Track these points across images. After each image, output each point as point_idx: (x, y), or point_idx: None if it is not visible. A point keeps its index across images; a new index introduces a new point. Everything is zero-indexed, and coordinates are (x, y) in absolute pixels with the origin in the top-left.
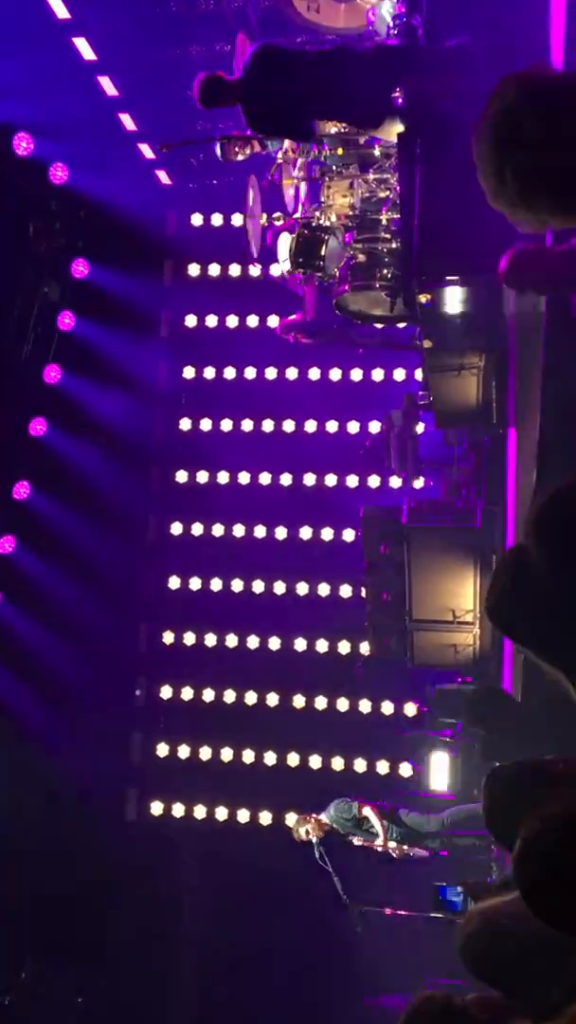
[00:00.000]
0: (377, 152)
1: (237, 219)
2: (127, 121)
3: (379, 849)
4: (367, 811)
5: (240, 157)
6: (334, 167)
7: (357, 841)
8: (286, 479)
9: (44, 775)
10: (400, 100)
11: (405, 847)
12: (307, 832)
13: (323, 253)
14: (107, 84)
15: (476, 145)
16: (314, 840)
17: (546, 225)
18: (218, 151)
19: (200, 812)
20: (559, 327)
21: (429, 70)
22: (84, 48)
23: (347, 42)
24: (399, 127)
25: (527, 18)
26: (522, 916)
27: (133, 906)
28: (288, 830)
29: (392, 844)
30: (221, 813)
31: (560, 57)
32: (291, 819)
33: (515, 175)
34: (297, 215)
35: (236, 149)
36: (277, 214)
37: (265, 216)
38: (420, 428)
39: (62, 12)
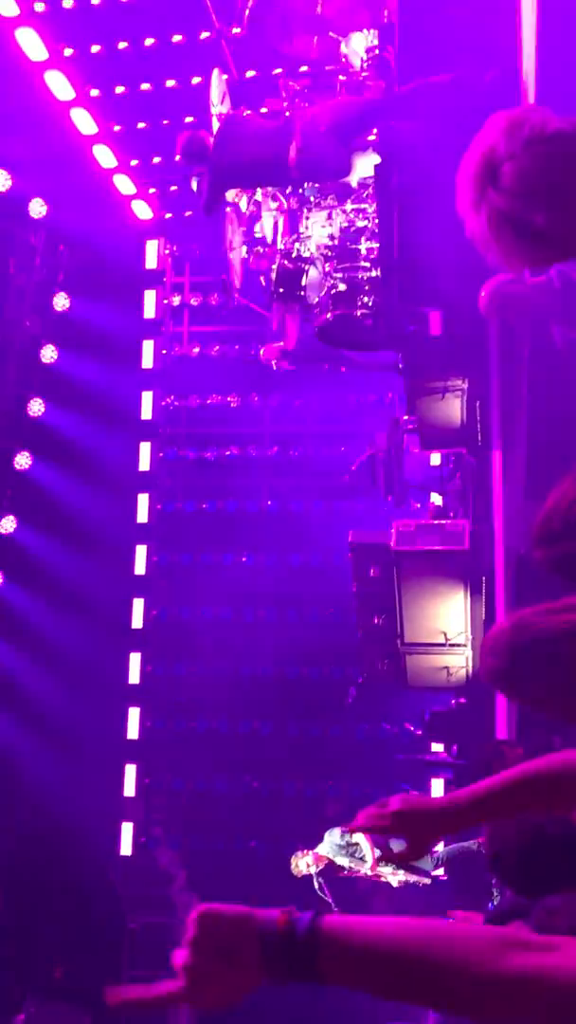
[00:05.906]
0: (354, 183)
1: (217, 250)
2: (104, 155)
3: (368, 875)
4: (358, 836)
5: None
6: (312, 198)
7: (344, 863)
8: (273, 505)
9: (35, 808)
10: (375, 140)
11: (402, 873)
12: (306, 865)
13: (304, 283)
14: (84, 119)
15: (458, 177)
16: (313, 872)
17: (515, 265)
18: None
19: (196, 844)
20: (542, 357)
21: (400, 115)
22: (61, 85)
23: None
24: (374, 159)
25: (499, 47)
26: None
27: (133, 941)
28: (286, 861)
29: (387, 870)
30: (218, 844)
31: (535, 92)
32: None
33: (488, 214)
34: (280, 246)
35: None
36: (258, 247)
37: (245, 248)
38: (406, 451)
39: (38, 53)
